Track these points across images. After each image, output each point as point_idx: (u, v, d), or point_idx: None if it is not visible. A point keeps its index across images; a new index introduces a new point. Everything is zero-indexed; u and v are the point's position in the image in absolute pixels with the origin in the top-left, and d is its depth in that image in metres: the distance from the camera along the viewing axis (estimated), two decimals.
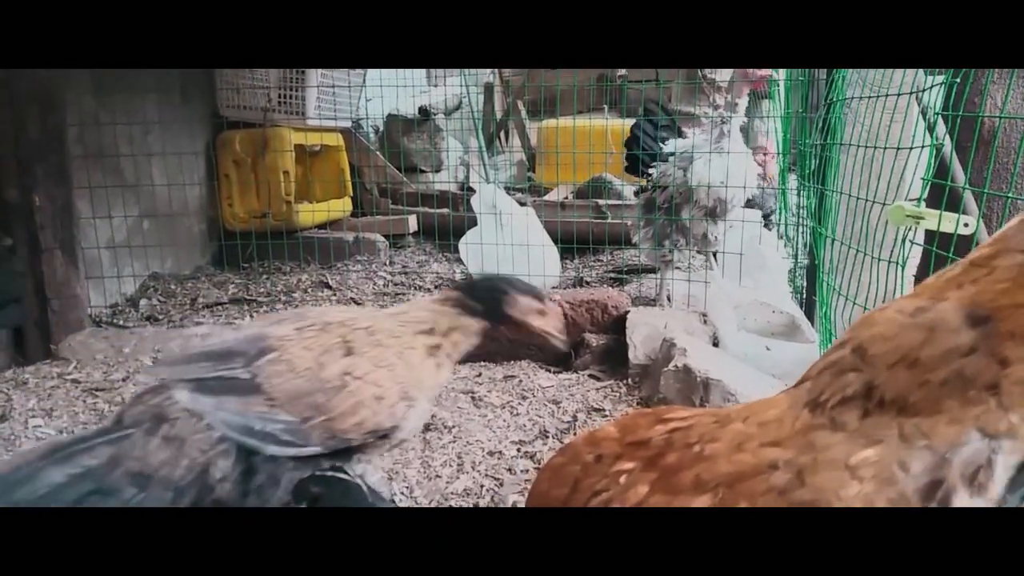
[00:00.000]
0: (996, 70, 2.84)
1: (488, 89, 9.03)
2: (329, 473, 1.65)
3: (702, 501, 0.89)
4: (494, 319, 1.87)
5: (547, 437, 2.66)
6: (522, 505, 2.18)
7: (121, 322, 4.04)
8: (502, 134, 9.13)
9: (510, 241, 4.10)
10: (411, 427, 1.74)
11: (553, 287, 4.24)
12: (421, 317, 1.83)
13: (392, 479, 2.44)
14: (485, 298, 1.86)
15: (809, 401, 0.85)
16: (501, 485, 2.34)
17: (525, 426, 2.76)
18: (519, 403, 2.97)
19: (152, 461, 1.54)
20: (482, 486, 2.40)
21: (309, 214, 5.10)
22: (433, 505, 2.29)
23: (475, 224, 4.31)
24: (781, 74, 4.76)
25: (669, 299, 3.92)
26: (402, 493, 2.37)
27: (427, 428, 2.77)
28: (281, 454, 1.58)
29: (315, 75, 4.98)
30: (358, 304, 4.41)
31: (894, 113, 2.59)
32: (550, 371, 3.39)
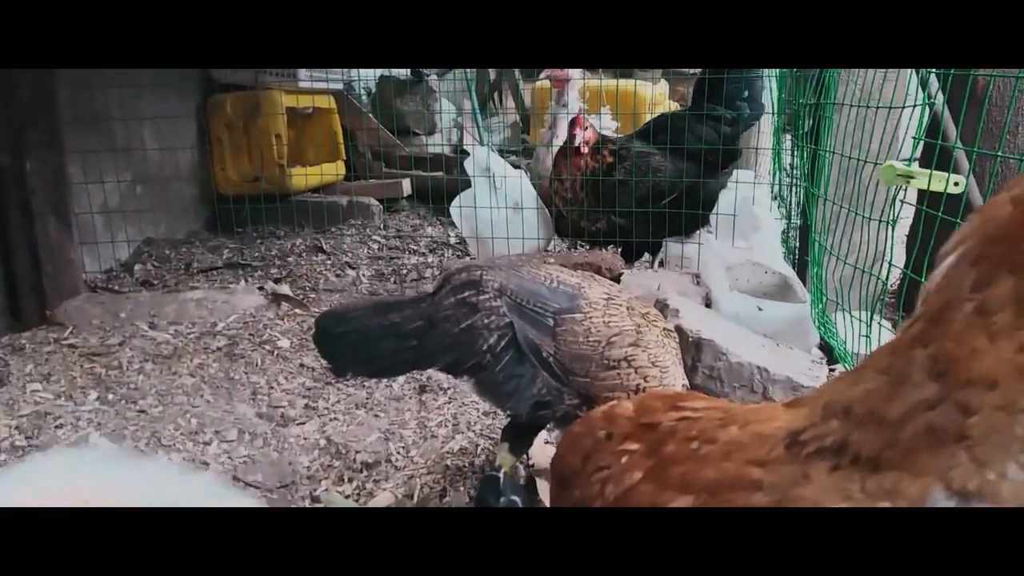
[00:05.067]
0: None
1: None
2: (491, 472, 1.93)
3: (683, 502, 0.88)
4: None
5: None
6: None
7: (116, 287, 4.05)
8: (496, 95, 9.04)
9: (503, 204, 4.09)
10: None
11: (546, 250, 4.25)
12: None
13: (389, 439, 2.48)
14: None
15: (791, 434, 0.83)
16: (496, 445, 2.38)
17: None
18: None
19: (438, 314, 1.87)
20: (477, 445, 2.44)
21: (302, 178, 5.07)
22: (429, 464, 2.33)
23: (468, 187, 4.30)
24: None
25: (663, 263, 3.93)
26: (398, 453, 2.40)
27: (423, 390, 2.80)
28: (543, 372, 1.86)
29: None
30: (353, 268, 4.42)
31: (887, 71, 2.58)
32: None
